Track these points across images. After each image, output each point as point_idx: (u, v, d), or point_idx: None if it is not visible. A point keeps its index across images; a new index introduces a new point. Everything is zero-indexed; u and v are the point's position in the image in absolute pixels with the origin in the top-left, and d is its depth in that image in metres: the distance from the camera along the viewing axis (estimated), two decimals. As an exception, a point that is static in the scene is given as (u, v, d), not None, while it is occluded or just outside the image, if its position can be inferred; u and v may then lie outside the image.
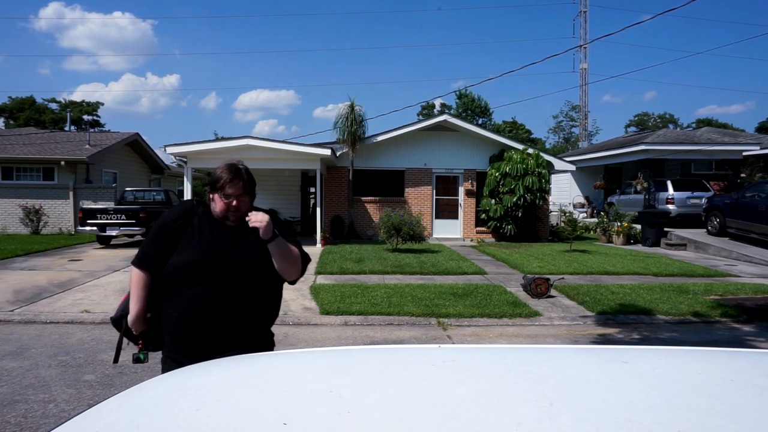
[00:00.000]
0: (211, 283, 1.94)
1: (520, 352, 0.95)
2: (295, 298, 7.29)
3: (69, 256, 11.35)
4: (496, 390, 0.72)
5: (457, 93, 43.03)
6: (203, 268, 1.96)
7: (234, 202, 2.02)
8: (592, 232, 16.42)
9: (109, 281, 8.52)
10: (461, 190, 16.21)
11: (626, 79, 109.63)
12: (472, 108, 43.07)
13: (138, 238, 14.56)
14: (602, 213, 16.68)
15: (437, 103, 44.86)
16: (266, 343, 2.11)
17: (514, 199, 14.47)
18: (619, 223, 15.12)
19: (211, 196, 2.06)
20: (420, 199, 16.00)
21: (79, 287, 8.01)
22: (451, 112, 38.26)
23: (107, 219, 13.10)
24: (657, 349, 0.96)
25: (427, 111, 45.01)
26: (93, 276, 8.93)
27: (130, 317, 2.06)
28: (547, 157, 15.58)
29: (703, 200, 14.92)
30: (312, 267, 9.88)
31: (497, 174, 14.92)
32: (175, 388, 0.81)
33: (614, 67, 73.20)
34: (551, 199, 18.21)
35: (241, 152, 13.30)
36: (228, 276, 1.97)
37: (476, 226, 16.07)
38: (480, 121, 41.44)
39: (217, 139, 16.14)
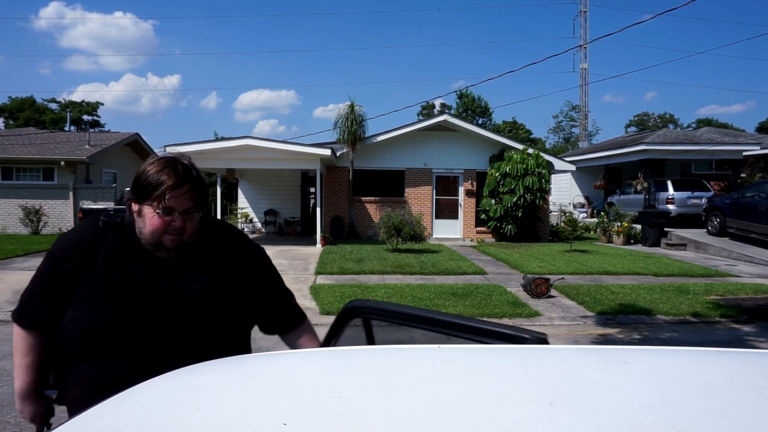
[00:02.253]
0: (132, 361, 1.28)
1: (520, 352, 0.95)
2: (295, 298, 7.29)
3: (69, 256, 11.35)
4: (496, 390, 0.72)
5: (457, 93, 43.06)
6: (117, 335, 1.28)
7: (177, 222, 1.30)
8: (592, 232, 16.42)
9: (109, 281, 8.52)
10: (461, 190, 16.21)
11: (626, 79, 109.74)
12: (472, 108, 43.07)
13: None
14: (602, 213, 16.68)
15: (437, 103, 44.91)
16: None
17: (514, 199, 14.48)
18: (619, 223, 15.12)
19: (135, 208, 1.33)
20: (420, 199, 16.00)
21: (79, 287, 8.01)
22: (451, 112, 38.28)
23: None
24: (657, 349, 0.96)
25: (427, 111, 45.02)
26: (93, 276, 8.93)
27: (17, 396, 1.45)
28: (547, 157, 15.58)
29: (703, 200, 14.92)
30: (312, 267, 9.88)
31: (497, 174, 14.92)
32: (175, 388, 0.81)
33: (614, 67, 73.23)
34: (551, 199, 18.21)
35: (241, 152, 13.32)
36: (159, 347, 1.29)
37: (476, 226, 16.07)
38: (480, 121, 41.46)
39: (217, 139, 16.16)
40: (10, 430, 3.32)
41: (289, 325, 1.57)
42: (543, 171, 14.76)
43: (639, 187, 16.79)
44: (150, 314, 1.30)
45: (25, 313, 1.37)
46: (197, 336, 1.33)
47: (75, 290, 1.31)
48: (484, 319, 6.97)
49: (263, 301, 1.50)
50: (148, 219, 1.30)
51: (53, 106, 43.99)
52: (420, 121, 16.81)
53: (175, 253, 1.34)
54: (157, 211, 1.29)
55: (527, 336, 1.13)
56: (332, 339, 1.42)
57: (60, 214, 17.01)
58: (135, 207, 1.33)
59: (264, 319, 1.54)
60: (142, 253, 1.34)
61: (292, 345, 1.56)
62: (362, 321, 1.45)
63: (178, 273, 1.35)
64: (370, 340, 1.48)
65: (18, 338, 1.39)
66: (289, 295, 1.61)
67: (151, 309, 1.30)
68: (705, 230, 14.02)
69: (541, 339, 1.12)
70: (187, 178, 1.32)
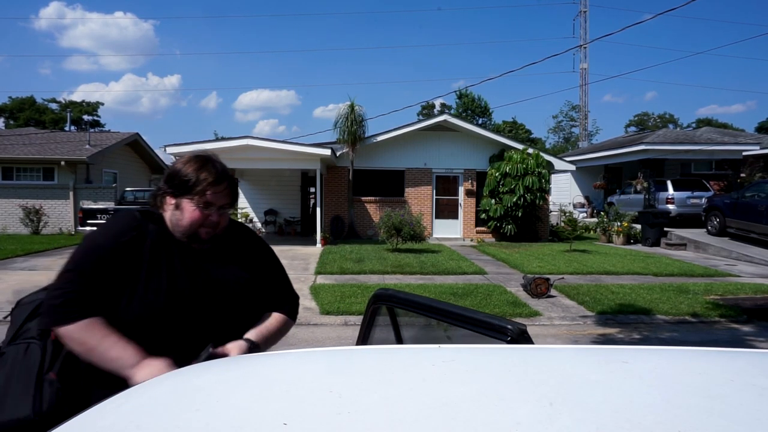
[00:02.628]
0: (180, 344, 1.34)
1: (520, 352, 0.95)
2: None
3: (69, 256, 11.34)
4: (496, 390, 0.72)
5: (457, 93, 43.05)
6: (171, 321, 1.35)
7: (214, 216, 1.41)
8: (592, 232, 16.42)
9: (109, 281, 8.52)
10: (461, 190, 16.21)
11: (626, 79, 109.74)
12: (472, 108, 43.07)
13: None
14: (602, 213, 16.68)
15: (437, 103, 44.91)
16: None
17: (514, 199, 14.48)
18: (619, 223, 15.12)
19: (172, 201, 1.41)
20: (420, 199, 16.00)
21: (79, 287, 8.01)
22: (451, 112, 38.28)
23: (107, 219, 13.11)
24: (657, 349, 0.96)
25: (427, 111, 45.02)
26: (93, 276, 8.93)
27: (130, 370, 1.26)
28: (547, 157, 15.58)
29: (703, 200, 14.92)
30: (312, 267, 9.88)
31: (497, 174, 14.92)
32: (175, 388, 0.81)
33: (614, 67, 73.20)
34: (551, 198, 18.21)
35: (241, 152, 13.32)
36: (204, 330, 1.37)
37: (476, 226, 16.07)
38: (480, 121, 41.45)
39: (217, 139, 16.16)
40: (10, 430, 3.32)
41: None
42: (543, 171, 14.77)
43: (639, 187, 16.79)
44: (196, 300, 1.39)
45: (70, 309, 1.30)
46: (233, 319, 1.45)
47: (121, 280, 1.34)
48: (484, 319, 6.95)
49: (270, 290, 1.62)
50: (188, 212, 1.40)
51: (53, 106, 44.02)
52: (420, 121, 16.80)
53: (208, 245, 1.45)
54: (199, 205, 1.39)
55: (509, 327, 1.21)
56: (366, 324, 1.65)
57: (60, 214, 17.01)
58: (172, 201, 1.42)
59: (266, 306, 1.61)
60: (177, 243, 1.43)
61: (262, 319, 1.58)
62: (387, 310, 1.65)
63: (210, 262, 1.45)
64: (396, 328, 1.70)
65: (79, 334, 1.28)
66: (292, 292, 1.72)
67: (197, 295, 1.39)
68: (705, 230, 14.02)
69: (522, 331, 1.19)
70: (225, 176, 1.44)
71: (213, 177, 1.40)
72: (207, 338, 1.33)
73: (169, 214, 1.43)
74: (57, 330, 1.30)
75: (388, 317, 1.68)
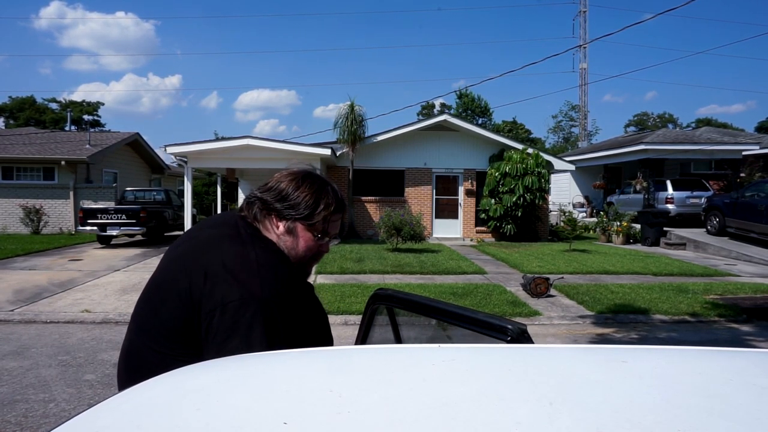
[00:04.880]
0: None
1: (520, 352, 0.95)
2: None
3: (69, 256, 11.35)
4: (496, 390, 0.72)
5: (457, 93, 43.04)
6: None
7: (326, 247, 1.32)
8: (591, 232, 16.42)
9: (109, 281, 8.52)
10: (461, 190, 16.21)
11: (626, 79, 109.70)
12: (472, 108, 43.06)
13: (138, 237, 14.56)
14: (602, 213, 16.69)
15: (437, 103, 44.89)
16: None
17: (514, 199, 14.48)
18: (618, 223, 15.13)
19: (282, 225, 1.24)
20: (420, 198, 16.00)
21: (80, 287, 8.01)
22: (451, 111, 38.27)
23: (108, 219, 13.11)
24: (657, 348, 0.96)
25: (427, 111, 45.01)
26: (93, 276, 8.93)
27: None
28: (546, 157, 15.58)
29: (703, 200, 14.93)
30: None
31: (497, 174, 14.93)
32: (175, 388, 0.81)
33: (614, 67, 73.23)
34: (551, 198, 18.22)
35: (241, 152, 13.32)
36: None
37: (476, 225, 16.08)
38: (480, 121, 41.44)
39: (217, 139, 16.15)
40: (10, 429, 3.32)
41: None
42: (542, 171, 14.77)
43: (638, 187, 16.80)
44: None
45: None
46: None
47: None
48: (484, 318, 6.96)
49: None
50: (304, 240, 1.25)
51: (54, 105, 43.99)
52: (420, 120, 16.81)
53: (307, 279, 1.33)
54: (317, 233, 1.25)
55: (509, 327, 1.17)
56: (365, 325, 1.62)
57: (60, 214, 17.01)
58: (282, 223, 1.24)
59: None
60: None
61: None
62: (386, 309, 1.60)
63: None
64: (395, 328, 1.65)
65: None
66: None
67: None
68: (704, 230, 14.03)
69: (522, 330, 1.15)
70: (344, 204, 1.33)
71: (336, 205, 1.27)
72: None
73: (275, 238, 1.25)
74: None
75: (387, 317, 1.66)
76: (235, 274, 1.10)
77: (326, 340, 1.32)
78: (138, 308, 1.22)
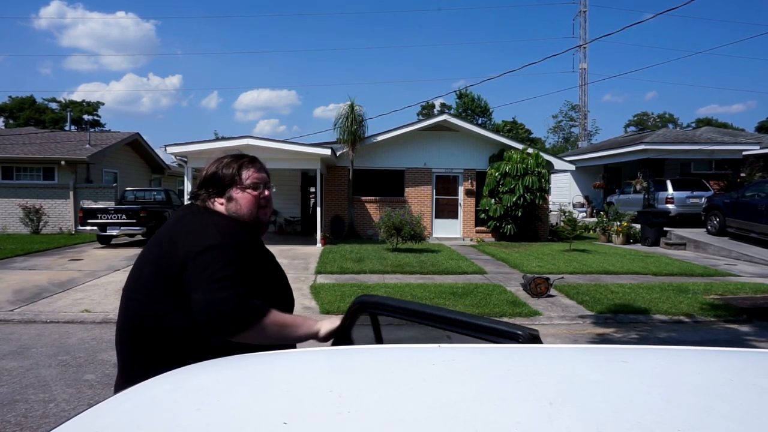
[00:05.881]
0: None
1: (520, 352, 0.95)
2: (295, 297, 7.29)
3: (69, 256, 11.35)
4: (496, 390, 0.72)
5: (457, 93, 43.06)
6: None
7: (265, 191, 1.57)
8: (591, 232, 16.41)
9: (109, 281, 8.52)
10: (461, 190, 16.21)
11: (626, 79, 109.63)
12: (472, 108, 43.06)
13: (138, 237, 14.56)
14: (602, 212, 16.68)
15: (437, 103, 44.90)
16: None
17: (514, 199, 14.48)
18: (618, 223, 15.13)
19: (221, 200, 1.52)
20: (420, 198, 16.00)
21: (80, 287, 8.01)
22: (451, 111, 38.26)
23: (108, 219, 13.10)
24: (657, 348, 0.96)
25: (427, 111, 45.01)
26: (93, 276, 8.93)
27: (326, 335, 1.55)
28: (546, 157, 15.58)
29: (703, 200, 14.92)
30: (312, 266, 9.88)
31: (497, 174, 14.92)
32: (175, 388, 0.81)
33: (614, 67, 73.22)
34: (551, 198, 18.21)
35: (241, 152, 13.30)
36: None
37: (476, 225, 16.07)
38: (480, 121, 41.44)
39: (217, 139, 16.16)
40: (10, 429, 3.32)
41: None
42: (543, 171, 14.76)
43: (638, 187, 16.80)
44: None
45: (257, 303, 1.32)
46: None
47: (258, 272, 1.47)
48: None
49: None
50: (243, 198, 1.53)
51: (53, 105, 44.00)
52: (420, 120, 16.80)
53: (268, 226, 1.64)
54: (246, 189, 1.53)
55: (520, 333, 1.14)
56: (345, 333, 1.50)
57: (60, 214, 17.01)
58: (220, 199, 1.53)
59: None
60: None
61: None
62: (370, 317, 1.50)
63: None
64: (378, 336, 1.54)
65: (275, 319, 1.33)
66: None
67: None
68: (704, 230, 14.02)
69: (534, 336, 1.13)
70: (252, 157, 1.62)
71: (248, 159, 1.56)
72: None
73: (223, 210, 1.52)
74: (259, 323, 1.29)
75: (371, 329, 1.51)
76: (196, 233, 1.39)
77: (283, 292, 1.59)
78: (128, 277, 1.50)
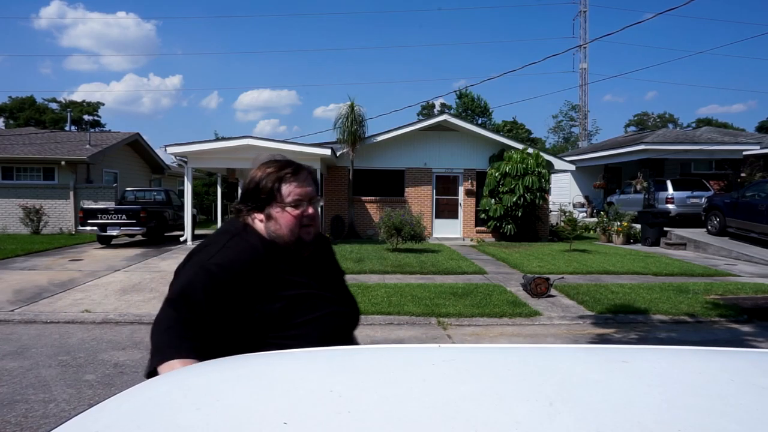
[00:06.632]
0: None
1: (520, 352, 0.95)
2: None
3: (69, 256, 11.35)
4: (496, 389, 0.72)
5: (457, 93, 43.04)
6: None
7: (309, 208, 1.37)
8: (591, 232, 16.41)
9: (109, 281, 8.52)
10: (461, 190, 16.21)
11: (626, 79, 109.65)
12: (472, 108, 43.05)
13: (138, 238, 14.56)
14: (602, 212, 16.68)
15: (437, 103, 44.87)
16: None
17: (514, 199, 14.48)
18: (618, 223, 15.12)
19: (260, 216, 1.36)
20: (420, 198, 16.00)
21: (80, 287, 8.01)
22: (451, 111, 38.25)
23: (108, 219, 13.11)
24: (657, 348, 0.96)
25: (428, 111, 45.01)
26: (93, 276, 8.93)
27: None
28: (546, 157, 15.58)
29: (703, 200, 14.91)
30: (312, 267, 9.87)
31: (497, 174, 14.92)
32: (175, 388, 0.81)
33: (614, 67, 73.24)
34: (551, 198, 18.21)
35: (241, 152, 13.31)
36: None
37: (476, 225, 16.07)
38: (480, 121, 41.43)
39: (217, 139, 16.15)
40: (10, 429, 3.32)
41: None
42: (543, 171, 14.76)
43: (638, 187, 16.80)
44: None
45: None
46: (353, 324, 1.45)
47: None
48: (484, 318, 6.95)
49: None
50: (282, 218, 1.35)
51: (54, 105, 43.99)
52: (420, 120, 16.80)
53: (313, 246, 1.40)
54: (288, 206, 1.34)
55: None
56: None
57: (60, 214, 17.01)
58: (259, 215, 1.37)
59: None
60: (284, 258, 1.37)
61: None
62: None
63: (321, 266, 1.44)
64: None
65: None
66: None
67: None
68: (705, 230, 14.02)
69: None
70: (300, 165, 1.41)
71: (290, 171, 1.36)
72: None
73: (262, 228, 1.37)
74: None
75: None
76: (182, 273, 1.31)
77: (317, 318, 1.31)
78: None
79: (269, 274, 1.29)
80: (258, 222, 1.36)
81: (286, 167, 1.36)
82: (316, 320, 1.29)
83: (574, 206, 21.01)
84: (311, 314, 1.29)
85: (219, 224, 17.48)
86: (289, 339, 1.24)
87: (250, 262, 1.29)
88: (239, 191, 18.18)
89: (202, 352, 1.14)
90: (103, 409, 0.73)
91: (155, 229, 14.02)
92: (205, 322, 1.21)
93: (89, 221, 13.10)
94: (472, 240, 15.63)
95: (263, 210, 1.35)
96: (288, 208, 1.33)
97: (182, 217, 14.61)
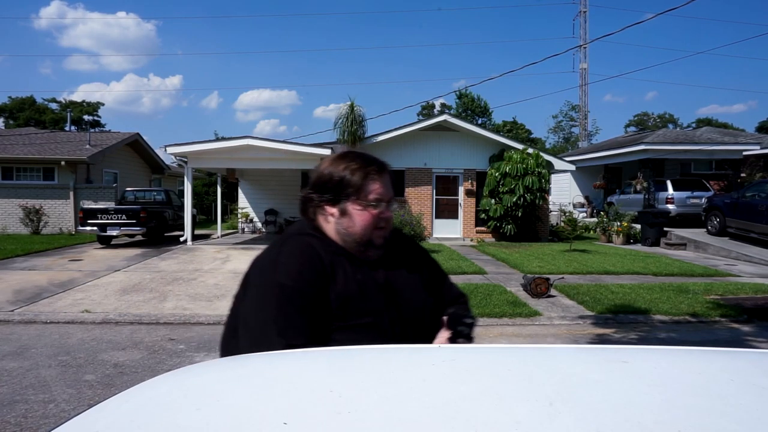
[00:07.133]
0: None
1: (520, 352, 0.95)
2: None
3: (69, 256, 11.35)
4: (496, 390, 0.72)
5: (457, 93, 43.03)
6: None
7: (387, 212, 1.28)
8: (591, 232, 16.41)
9: (109, 281, 8.52)
10: (461, 190, 16.21)
11: (626, 79, 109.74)
12: (472, 108, 43.04)
13: (138, 238, 14.56)
14: (602, 213, 16.68)
15: (437, 103, 44.89)
16: None
17: (514, 199, 14.47)
18: (618, 223, 15.12)
19: (333, 210, 1.28)
20: (420, 198, 16.00)
21: (80, 287, 8.01)
22: (451, 112, 38.25)
23: (108, 219, 13.11)
24: (657, 348, 0.96)
25: (428, 111, 45.01)
26: (93, 276, 8.93)
27: None
28: (547, 157, 15.58)
29: (703, 200, 14.92)
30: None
31: (497, 174, 14.92)
32: (175, 388, 0.81)
33: (614, 67, 73.21)
34: (551, 198, 18.21)
35: (241, 152, 13.32)
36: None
37: (476, 225, 16.07)
38: (480, 121, 41.42)
39: (217, 139, 16.16)
40: (10, 430, 3.33)
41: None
42: (543, 171, 14.76)
43: (639, 187, 16.80)
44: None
45: None
46: (426, 328, 1.30)
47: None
48: (484, 318, 6.94)
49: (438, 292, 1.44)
50: (358, 216, 1.25)
51: (54, 106, 43.98)
52: (420, 121, 16.80)
53: (383, 250, 1.29)
54: (369, 205, 1.25)
55: None
56: None
57: (60, 214, 17.01)
58: (332, 209, 1.27)
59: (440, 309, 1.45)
60: (353, 258, 1.27)
61: None
62: None
63: (390, 272, 1.29)
64: None
65: None
66: (460, 291, 1.52)
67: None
68: (705, 230, 14.02)
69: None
70: (384, 164, 1.31)
71: (375, 168, 1.26)
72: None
73: (333, 225, 1.27)
74: None
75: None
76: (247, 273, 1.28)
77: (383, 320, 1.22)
78: None
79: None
80: (328, 216, 1.28)
81: (372, 164, 1.28)
82: (365, 326, 1.21)
83: (574, 206, 21.01)
84: (359, 320, 1.20)
85: (219, 224, 17.50)
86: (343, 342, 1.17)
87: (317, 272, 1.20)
88: (239, 191, 18.19)
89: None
90: (103, 409, 0.73)
91: (155, 229, 14.02)
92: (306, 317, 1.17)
93: (89, 221, 13.10)
94: (472, 240, 15.63)
95: (338, 204, 1.26)
96: (369, 207, 1.25)
97: (182, 217, 14.61)
